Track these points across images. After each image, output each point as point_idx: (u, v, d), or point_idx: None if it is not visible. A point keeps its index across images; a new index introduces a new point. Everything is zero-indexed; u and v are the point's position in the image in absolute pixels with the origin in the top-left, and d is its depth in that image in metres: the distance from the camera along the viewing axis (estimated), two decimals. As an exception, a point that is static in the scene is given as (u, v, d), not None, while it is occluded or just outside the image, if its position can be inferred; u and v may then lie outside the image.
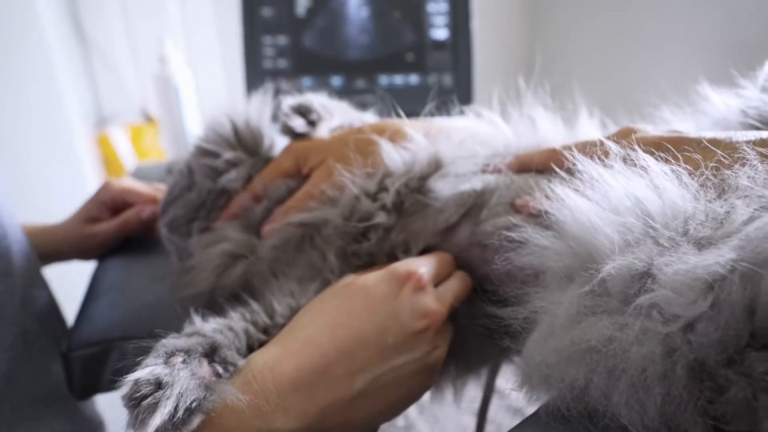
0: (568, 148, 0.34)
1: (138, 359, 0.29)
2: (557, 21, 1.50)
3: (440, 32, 0.92)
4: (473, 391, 0.45)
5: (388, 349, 0.32)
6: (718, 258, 0.23)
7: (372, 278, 0.34)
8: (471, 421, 0.84)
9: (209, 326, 0.33)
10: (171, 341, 0.31)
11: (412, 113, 0.46)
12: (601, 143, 0.32)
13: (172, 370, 0.28)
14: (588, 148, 0.33)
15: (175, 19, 1.50)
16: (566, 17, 1.46)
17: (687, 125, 0.43)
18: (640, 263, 0.26)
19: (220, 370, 0.30)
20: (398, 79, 0.94)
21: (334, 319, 0.32)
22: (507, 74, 0.48)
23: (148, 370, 0.28)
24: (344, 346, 0.31)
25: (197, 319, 0.33)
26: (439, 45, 0.93)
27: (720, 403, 0.23)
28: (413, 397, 0.35)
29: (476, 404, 0.60)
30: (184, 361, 0.29)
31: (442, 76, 0.94)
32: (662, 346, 0.24)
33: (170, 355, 0.29)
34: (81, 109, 1.31)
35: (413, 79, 0.94)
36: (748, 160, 0.27)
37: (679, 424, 0.24)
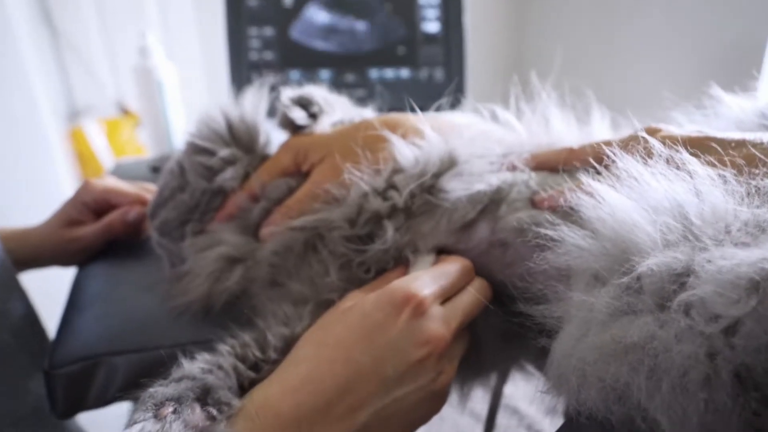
0: (609, 144, 0.32)
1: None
2: (549, 14, 1.50)
3: (432, 25, 0.90)
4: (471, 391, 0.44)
5: (388, 381, 0.30)
6: (767, 254, 0.22)
7: (369, 303, 0.32)
8: (468, 422, 0.83)
9: (197, 366, 0.31)
10: (159, 390, 0.29)
11: (402, 108, 0.44)
12: (645, 141, 0.31)
13: (163, 425, 0.26)
14: (629, 146, 0.31)
15: (151, 7, 1.43)
16: (558, 10, 1.46)
17: (702, 127, 0.42)
18: (681, 261, 0.24)
19: (215, 412, 0.28)
20: (389, 73, 0.92)
21: (331, 353, 0.31)
22: (500, 69, 0.47)
23: (137, 427, 0.26)
24: (344, 381, 0.30)
25: (185, 362, 0.32)
26: (430, 38, 0.91)
27: (767, 416, 0.22)
28: (422, 420, 0.33)
29: (473, 403, 0.59)
30: (174, 411, 0.27)
31: (434, 70, 0.92)
32: (705, 347, 0.22)
33: (159, 406, 0.28)
34: (51, 101, 1.24)
35: (404, 73, 0.92)
36: None
37: None
